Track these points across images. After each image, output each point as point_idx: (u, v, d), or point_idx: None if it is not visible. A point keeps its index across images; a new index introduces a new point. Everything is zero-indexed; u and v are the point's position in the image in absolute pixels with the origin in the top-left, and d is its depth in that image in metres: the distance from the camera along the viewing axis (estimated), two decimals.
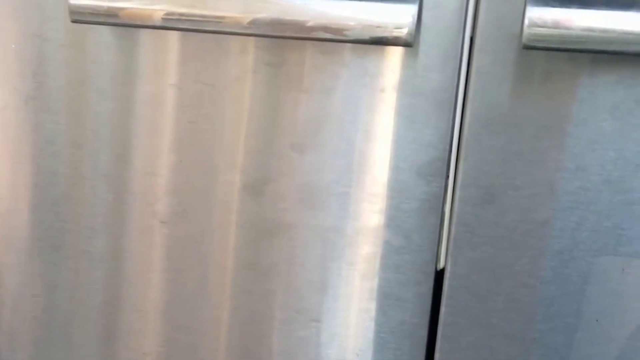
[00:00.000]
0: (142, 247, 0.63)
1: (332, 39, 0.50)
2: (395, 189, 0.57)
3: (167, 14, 0.52)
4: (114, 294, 0.65)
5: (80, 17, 0.51)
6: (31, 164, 0.62)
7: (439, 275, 0.59)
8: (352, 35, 0.49)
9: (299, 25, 0.51)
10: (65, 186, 0.62)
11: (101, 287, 0.65)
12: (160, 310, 0.65)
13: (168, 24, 0.52)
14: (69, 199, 0.63)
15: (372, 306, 0.60)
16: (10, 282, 0.67)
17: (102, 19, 0.51)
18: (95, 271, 0.65)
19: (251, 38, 0.54)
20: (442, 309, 0.59)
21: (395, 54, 0.53)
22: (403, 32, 0.49)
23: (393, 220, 0.57)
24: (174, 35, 0.55)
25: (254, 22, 0.51)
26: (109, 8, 0.51)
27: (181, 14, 0.52)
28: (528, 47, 0.48)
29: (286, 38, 0.52)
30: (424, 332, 0.60)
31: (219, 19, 0.51)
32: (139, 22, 0.52)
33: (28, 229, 0.65)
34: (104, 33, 0.56)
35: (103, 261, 0.64)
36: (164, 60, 0.57)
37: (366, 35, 0.49)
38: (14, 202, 0.64)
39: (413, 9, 0.49)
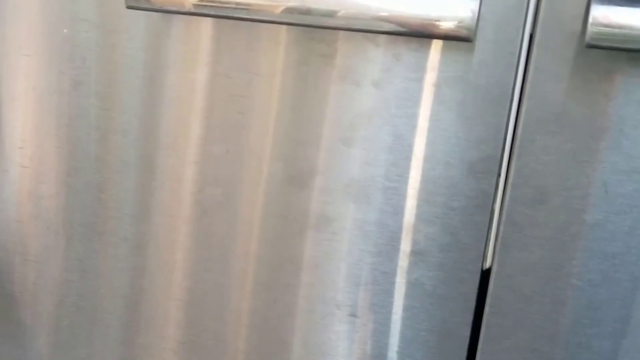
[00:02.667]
0: (183, 236, 0.63)
1: (389, 32, 0.50)
2: (444, 186, 0.56)
3: (218, 2, 0.51)
4: (152, 281, 0.65)
5: (135, 3, 0.51)
6: (76, 149, 0.62)
7: (485, 275, 0.58)
8: (410, 28, 0.49)
9: (352, 17, 0.50)
10: (109, 172, 0.62)
11: (137, 274, 0.65)
12: (198, 300, 0.64)
13: (219, 12, 0.52)
14: (112, 186, 0.63)
15: (414, 304, 0.60)
16: (48, 265, 0.67)
17: (157, 6, 0.51)
18: (134, 258, 0.65)
19: (304, 28, 0.53)
20: (486, 309, 0.58)
21: (451, 47, 0.52)
22: (462, 27, 0.48)
23: (440, 217, 0.57)
24: (226, 24, 0.55)
25: (308, 12, 0.50)
26: None
27: (234, 2, 0.51)
28: (591, 46, 0.47)
29: (338, 29, 0.51)
30: (466, 332, 0.59)
31: (270, 8, 0.50)
32: (188, 10, 0.52)
33: (69, 213, 0.65)
34: (156, 20, 0.56)
35: (143, 248, 0.64)
36: (216, 49, 0.56)
37: (425, 29, 0.48)
38: (57, 186, 0.64)
39: (474, 3, 0.48)
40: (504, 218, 0.55)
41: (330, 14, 0.50)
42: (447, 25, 0.48)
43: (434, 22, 0.48)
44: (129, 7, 0.52)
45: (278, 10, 0.51)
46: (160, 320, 0.66)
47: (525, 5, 0.50)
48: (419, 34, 0.49)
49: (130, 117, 0.60)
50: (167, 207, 0.62)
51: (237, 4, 0.50)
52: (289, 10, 0.51)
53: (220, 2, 0.51)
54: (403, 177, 0.56)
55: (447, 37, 0.49)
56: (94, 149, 0.62)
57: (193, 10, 0.52)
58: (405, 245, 0.58)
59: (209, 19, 0.55)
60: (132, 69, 0.58)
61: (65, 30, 0.57)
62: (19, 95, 0.62)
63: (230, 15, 0.51)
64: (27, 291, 0.69)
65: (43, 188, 0.64)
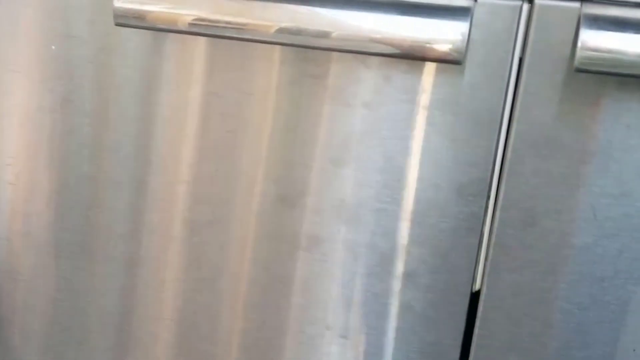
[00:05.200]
0: (173, 255, 0.62)
1: (380, 53, 0.50)
2: (434, 208, 0.56)
3: (210, 21, 0.51)
4: (141, 301, 0.64)
5: (124, 20, 0.51)
6: (64, 167, 0.62)
7: (474, 297, 0.58)
8: (400, 50, 0.49)
9: (344, 38, 0.50)
10: (97, 191, 0.62)
11: (127, 293, 0.65)
12: (185, 320, 0.64)
13: (210, 31, 0.52)
14: (100, 204, 0.62)
15: (405, 325, 0.59)
16: (35, 283, 0.67)
17: (146, 24, 0.51)
18: (124, 278, 0.64)
19: (296, 49, 0.54)
20: (476, 331, 0.58)
21: (441, 70, 0.52)
22: (453, 50, 0.48)
23: (430, 239, 0.57)
24: (219, 43, 0.55)
25: (300, 32, 0.50)
26: (154, 13, 0.51)
27: (227, 22, 0.51)
28: (580, 70, 0.47)
29: (331, 50, 0.52)
30: (456, 354, 0.59)
31: (263, 28, 0.51)
32: (181, 28, 0.52)
33: (57, 231, 0.64)
34: (145, 38, 0.56)
35: (133, 268, 0.64)
36: (205, 68, 0.56)
37: (415, 51, 0.49)
38: (45, 204, 0.63)
39: (463, 26, 0.48)
40: (493, 240, 0.55)
41: (323, 35, 0.50)
42: (437, 47, 0.48)
43: (424, 45, 0.48)
44: (117, 25, 0.52)
45: (271, 31, 0.51)
46: (149, 340, 0.65)
47: (515, 29, 0.50)
48: (409, 56, 0.49)
49: (121, 135, 0.60)
50: (158, 226, 0.62)
51: (228, 23, 0.50)
52: (281, 31, 0.51)
53: (212, 22, 0.51)
54: (394, 199, 0.56)
55: (438, 60, 0.49)
56: (84, 166, 0.61)
57: (185, 29, 0.52)
58: (396, 267, 0.58)
59: (202, 38, 0.55)
60: (122, 86, 0.58)
61: (53, 47, 0.57)
62: (8, 112, 0.61)
63: (222, 34, 0.51)
64: (15, 309, 0.68)
65: (32, 206, 0.64)
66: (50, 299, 0.67)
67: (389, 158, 0.56)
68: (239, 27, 0.51)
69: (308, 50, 0.53)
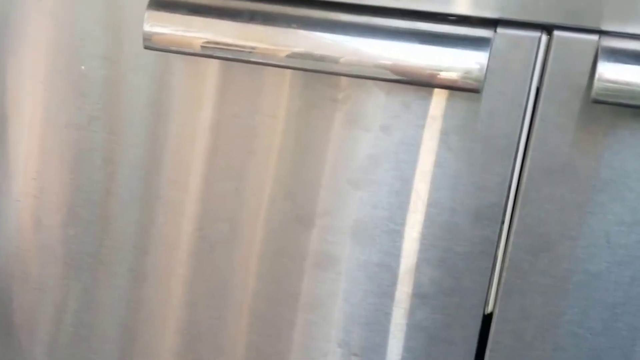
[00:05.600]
0: (188, 270, 0.64)
1: (398, 80, 0.51)
2: (449, 231, 0.57)
3: (238, 47, 0.52)
4: (153, 313, 0.65)
5: (154, 44, 0.52)
6: (87, 182, 0.63)
7: (487, 320, 0.58)
8: (419, 78, 0.50)
9: (366, 65, 0.51)
10: (118, 205, 0.63)
11: (142, 306, 0.66)
12: (201, 334, 0.65)
13: (237, 56, 0.53)
14: (121, 218, 0.63)
15: (416, 345, 0.60)
16: (54, 294, 0.68)
17: (175, 48, 0.52)
18: (138, 290, 0.65)
19: (317, 74, 0.55)
20: (487, 353, 0.58)
21: (459, 97, 0.53)
22: (471, 78, 0.49)
23: (444, 261, 0.57)
24: (241, 67, 0.56)
25: (323, 59, 0.52)
26: (184, 37, 0.52)
27: (252, 47, 0.52)
28: (597, 102, 0.48)
29: (354, 77, 0.53)
30: None
31: (277, 52, 0.52)
32: (210, 53, 0.53)
33: (78, 244, 0.65)
34: (173, 60, 0.57)
35: (147, 280, 0.65)
36: (228, 90, 0.58)
37: (433, 79, 0.50)
38: (67, 216, 0.65)
39: (483, 56, 0.49)
40: (507, 264, 0.56)
41: (346, 62, 0.51)
42: (455, 76, 0.49)
43: (444, 73, 0.50)
44: (146, 48, 0.53)
45: (283, 55, 0.52)
46: (159, 352, 0.66)
47: (533, 60, 0.51)
48: (429, 84, 0.50)
49: (142, 152, 0.61)
50: (174, 241, 0.63)
51: (252, 48, 0.51)
52: (296, 56, 0.52)
53: (239, 47, 0.52)
54: (409, 221, 0.57)
55: (457, 88, 0.50)
56: (105, 182, 0.63)
57: (206, 52, 0.53)
58: (409, 288, 0.59)
59: (221, 61, 0.56)
60: (145, 106, 0.59)
61: (82, 67, 0.59)
62: (36, 126, 0.63)
63: (245, 59, 0.53)
64: (33, 319, 0.69)
65: (55, 219, 0.65)
66: (69, 310, 0.68)
67: (405, 181, 0.57)
68: (262, 53, 0.52)
69: (330, 76, 0.55)
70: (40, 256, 0.67)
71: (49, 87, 0.61)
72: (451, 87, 0.50)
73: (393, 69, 0.50)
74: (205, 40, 0.52)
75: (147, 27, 0.52)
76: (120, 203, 0.63)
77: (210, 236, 0.62)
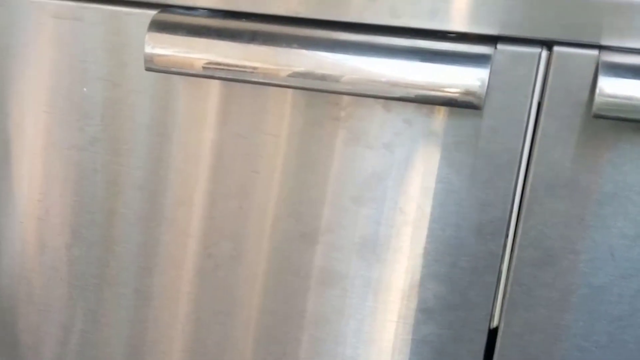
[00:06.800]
0: (194, 289, 0.64)
1: (400, 98, 0.51)
2: (453, 246, 0.57)
3: (238, 67, 0.53)
4: (161, 333, 0.66)
5: (155, 65, 0.53)
6: (92, 202, 0.63)
7: (492, 334, 0.58)
8: (420, 95, 0.50)
9: (366, 83, 0.52)
10: (123, 226, 0.63)
11: (149, 326, 0.66)
12: (208, 353, 0.65)
13: (240, 77, 0.53)
14: (126, 239, 0.64)
15: None
16: (61, 315, 0.68)
17: (176, 69, 0.53)
18: (145, 310, 0.65)
19: (319, 93, 0.55)
20: None
21: (461, 114, 0.53)
22: (472, 95, 0.49)
23: (449, 276, 0.58)
24: (242, 87, 0.56)
25: (324, 78, 0.52)
26: (185, 59, 0.52)
27: (253, 67, 0.53)
28: (598, 116, 0.48)
29: (354, 95, 0.53)
30: None
31: (277, 72, 0.52)
32: (211, 74, 0.54)
33: (83, 265, 0.66)
34: (175, 81, 0.58)
35: (154, 300, 0.65)
36: (232, 110, 0.58)
37: (435, 97, 0.50)
38: (72, 238, 0.65)
39: (483, 72, 0.49)
40: (511, 278, 0.56)
41: (345, 81, 0.52)
42: (456, 93, 0.50)
43: (444, 91, 0.50)
44: (147, 70, 0.54)
45: (285, 74, 0.52)
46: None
47: (534, 75, 0.51)
48: (430, 102, 0.51)
49: (146, 173, 0.61)
50: (179, 261, 0.63)
51: (254, 69, 0.52)
52: (297, 75, 0.52)
53: (231, 66, 0.53)
54: (413, 237, 0.57)
55: (457, 105, 0.50)
56: (110, 202, 0.63)
57: (207, 73, 0.54)
58: (414, 303, 0.59)
59: (223, 82, 0.56)
60: (148, 127, 0.60)
61: (85, 89, 0.59)
62: (39, 150, 0.63)
63: (247, 79, 0.53)
64: (40, 341, 0.70)
65: (59, 239, 0.65)
66: (75, 330, 0.68)
67: (408, 197, 0.57)
68: (264, 72, 0.52)
69: (332, 95, 0.55)
70: (45, 277, 0.67)
71: (51, 110, 0.62)
72: (452, 104, 0.50)
73: (394, 87, 0.50)
74: (207, 61, 0.52)
75: (149, 49, 0.52)
76: (125, 223, 0.63)
77: (215, 255, 0.62)
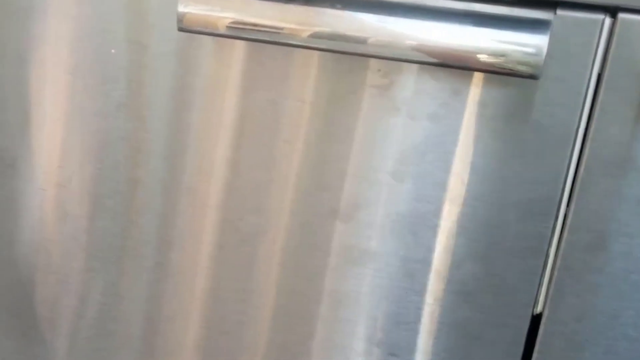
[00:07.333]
0: (219, 264, 0.61)
1: (449, 65, 0.48)
2: (497, 226, 0.53)
3: (275, 28, 0.49)
4: (184, 308, 0.63)
5: (187, 25, 0.49)
6: (116, 171, 0.60)
7: (535, 320, 0.55)
8: (473, 63, 0.47)
9: (415, 48, 0.48)
10: (147, 196, 0.60)
11: (172, 300, 0.63)
12: (230, 330, 0.62)
13: (274, 38, 0.50)
14: (150, 210, 0.61)
15: (457, 346, 0.57)
16: (80, 287, 0.65)
17: (209, 29, 0.49)
18: (167, 284, 0.63)
19: (361, 57, 0.52)
20: (535, 355, 0.56)
21: (514, 84, 0.50)
22: (529, 65, 0.46)
23: (490, 258, 0.54)
24: (274, 51, 0.53)
25: (365, 41, 0.48)
26: (219, 18, 0.49)
27: (291, 29, 0.49)
28: None
29: (399, 61, 0.49)
30: None
31: (330, 37, 0.49)
32: (245, 35, 0.50)
33: (106, 236, 0.63)
34: (206, 44, 0.54)
35: (177, 275, 0.62)
36: (262, 75, 0.55)
37: (489, 65, 0.46)
38: (94, 208, 0.62)
39: (542, 40, 0.46)
40: (559, 262, 0.53)
41: (389, 44, 0.48)
42: (512, 61, 0.46)
43: (498, 58, 0.46)
44: (180, 30, 0.50)
45: (324, 37, 0.49)
46: (182, 346, 0.64)
47: (595, 44, 0.48)
48: (481, 69, 0.47)
49: (172, 141, 0.58)
50: (205, 235, 0.60)
51: (280, 29, 0.48)
52: (338, 38, 0.49)
53: (274, 28, 0.49)
54: (454, 215, 0.54)
55: (512, 74, 0.47)
56: (134, 171, 0.60)
57: (241, 34, 0.50)
58: (452, 285, 0.56)
59: (256, 44, 0.53)
60: (177, 93, 0.57)
61: (113, 51, 0.56)
62: (62, 115, 0.60)
63: (276, 40, 0.49)
64: (57, 312, 0.67)
65: (81, 209, 0.62)
66: (94, 303, 0.66)
67: (451, 173, 0.53)
68: (302, 34, 0.49)
69: (373, 61, 0.52)
70: (65, 247, 0.65)
71: (75, 72, 0.59)
72: (507, 73, 0.46)
73: (444, 53, 0.47)
74: (242, 21, 0.49)
75: (181, 8, 0.49)
76: (150, 194, 0.60)
77: (242, 229, 0.59)
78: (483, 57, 0.46)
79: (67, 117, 0.60)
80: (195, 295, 0.62)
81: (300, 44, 0.50)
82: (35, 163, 0.62)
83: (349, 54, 0.49)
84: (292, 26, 0.49)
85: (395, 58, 0.49)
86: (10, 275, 0.67)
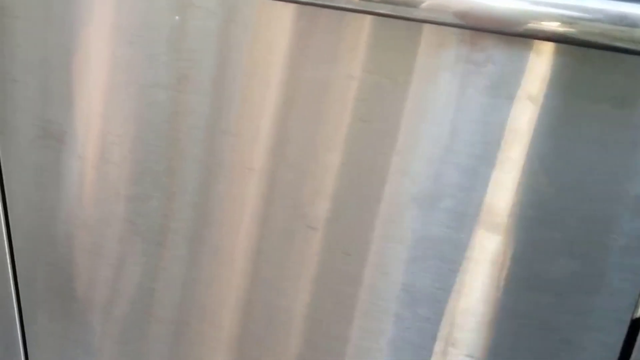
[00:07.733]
0: (284, 252, 0.56)
1: (560, 40, 0.42)
2: (600, 221, 0.48)
3: None
4: (249, 297, 0.59)
5: None
6: (174, 149, 0.56)
7: (634, 325, 0.50)
8: (591, 37, 0.41)
9: (517, 19, 0.42)
10: (208, 176, 0.56)
11: (236, 288, 0.59)
12: (297, 319, 0.58)
13: (358, 7, 0.44)
14: (210, 191, 0.56)
15: (544, 349, 0.52)
16: (130, 270, 0.62)
17: None
18: (230, 271, 0.59)
19: (453, 31, 0.46)
20: None
21: (634, 63, 0.44)
22: None
23: (589, 255, 0.49)
24: (360, 22, 0.48)
25: (456, 14, 0.43)
26: None
27: None
28: None
29: (496, 33, 0.44)
30: None
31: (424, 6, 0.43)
32: (323, 2, 0.45)
33: (161, 218, 0.59)
34: (280, 10, 0.49)
35: (241, 262, 0.58)
36: (346, 48, 0.49)
37: (609, 41, 0.40)
38: (150, 187, 0.58)
39: None
40: None
41: (485, 17, 0.42)
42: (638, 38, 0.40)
43: (623, 32, 0.40)
44: None
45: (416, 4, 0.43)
46: (257, 334, 0.60)
47: None
48: (600, 46, 0.41)
49: (238, 117, 0.53)
50: (269, 220, 0.56)
51: None
52: (435, 7, 0.43)
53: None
54: (551, 208, 0.49)
55: (636, 52, 0.41)
56: (195, 149, 0.55)
57: (326, 3, 0.45)
58: (543, 283, 0.51)
59: (337, 13, 0.47)
60: (244, 64, 0.51)
61: (177, 17, 0.51)
62: (118, 87, 0.55)
63: (359, 9, 0.44)
64: (103, 295, 0.64)
65: (136, 189, 0.58)
66: (144, 288, 0.62)
67: (551, 161, 0.48)
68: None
69: (468, 34, 0.46)
70: (120, 230, 0.61)
71: (136, 41, 0.54)
72: (632, 52, 0.40)
73: (554, 25, 0.41)
74: None
75: None
76: (211, 174, 0.56)
77: (310, 216, 0.55)
78: (604, 33, 0.40)
79: (124, 90, 0.55)
80: (258, 283, 0.58)
81: (393, 13, 0.44)
82: (84, 138, 0.58)
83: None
84: None
85: (492, 30, 0.43)
86: (54, 254, 0.64)
